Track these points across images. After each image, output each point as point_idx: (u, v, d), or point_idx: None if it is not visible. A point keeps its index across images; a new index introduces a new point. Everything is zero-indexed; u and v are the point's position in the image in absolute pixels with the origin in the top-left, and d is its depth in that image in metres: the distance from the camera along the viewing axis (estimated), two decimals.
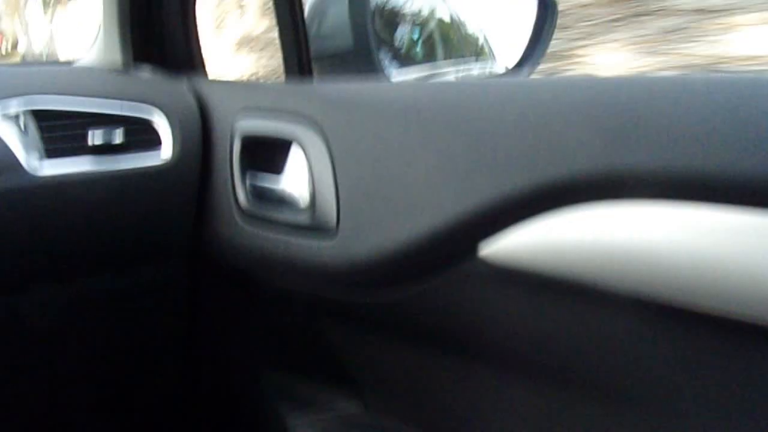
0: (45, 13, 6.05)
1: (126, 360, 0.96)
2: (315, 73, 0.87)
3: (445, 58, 1.47)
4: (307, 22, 0.87)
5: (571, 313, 0.51)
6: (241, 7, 4.70)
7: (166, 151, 0.78)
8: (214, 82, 0.88)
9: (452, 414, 0.69)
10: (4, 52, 6.42)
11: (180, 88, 0.83)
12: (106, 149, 0.75)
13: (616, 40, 2.81)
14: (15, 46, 6.46)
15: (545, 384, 0.57)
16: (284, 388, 0.89)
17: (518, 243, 0.52)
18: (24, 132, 0.72)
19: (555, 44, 1.22)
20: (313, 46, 0.88)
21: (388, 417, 0.77)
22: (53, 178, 0.72)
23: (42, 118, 0.73)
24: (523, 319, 0.55)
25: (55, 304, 0.84)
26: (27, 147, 0.71)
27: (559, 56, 2.69)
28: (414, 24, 1.43)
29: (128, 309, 0.90)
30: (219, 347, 1.00)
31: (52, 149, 0.73)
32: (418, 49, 1.45)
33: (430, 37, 1.48)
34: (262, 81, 3.63)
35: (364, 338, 0.74)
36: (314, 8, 1.04)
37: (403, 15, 1.39)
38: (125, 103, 0.78)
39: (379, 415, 0.78)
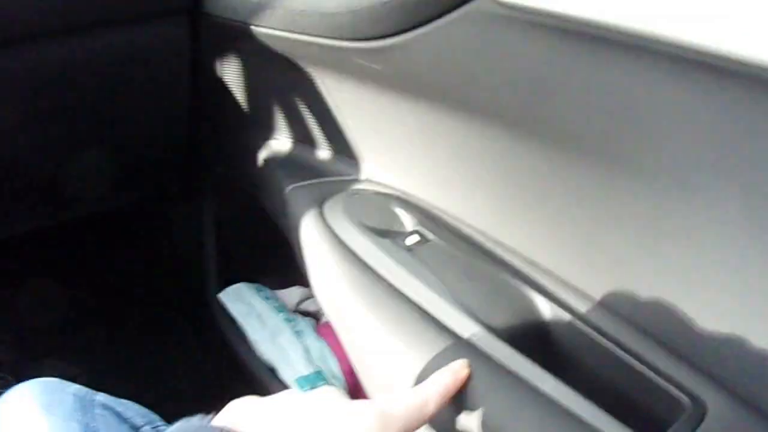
0: None
1: (128, 120, 0.94)
2: None
3: None
4: None
5: (584, 62, 0.46)
6: None
7: None
8: None
9: (453, 176, 0.66)
10: None
11: None
12: None
13: None
14: None
15: (547, 140, 0.53)
16: (281, 154, 0.87)
17: None
18: None
19: None
20: None
21: (384, 186, 0.75)
22: None
23: None
24: (529, 67, 0.50)
25: (55, 62, 0.82)
26: None
27: None
28: None
29: (131, 69, 0.87)
30: (219, 112, 0.98)
31: None
32: None
33: None
34: None
35: (365, 97, 0.70)
36: None
37: None
38: None
39: (376, 184, 0.76)
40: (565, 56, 0.46)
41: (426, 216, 0.68)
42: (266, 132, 0.90)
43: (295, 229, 0.75)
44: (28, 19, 0.74)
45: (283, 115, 0.86)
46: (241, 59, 0.86)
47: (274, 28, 0.71)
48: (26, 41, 0.77)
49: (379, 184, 0.76)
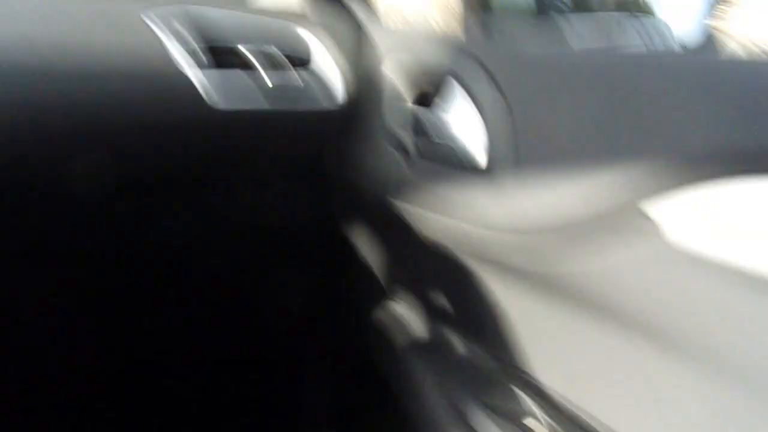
0: None
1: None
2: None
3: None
4: None
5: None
6: None
7: (337, 95, 0.80)
8: (394, 32, 0.87)
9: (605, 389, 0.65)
10: None
11: (354, 31, 0.83)
12: (281, 89, 0.76)
13: None
14: None
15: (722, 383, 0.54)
16: (412, 331, 0.88)
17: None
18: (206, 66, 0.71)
19: None
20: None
21: (522, 383, 0.74)
22: (232, 112, 0.72)
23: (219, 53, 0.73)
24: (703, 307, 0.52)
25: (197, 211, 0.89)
26: (210, 82, 0.70)
27: None
28: None
29: (265, 221, 0.93)
30: (344, 275, 1.03)
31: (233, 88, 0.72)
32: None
33: None
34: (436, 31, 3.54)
35: (518, 295, 0.71)
36: None
37: None
38: (305, 48, 0.80)
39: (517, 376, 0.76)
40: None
41: None
42: (398, 306, 0.92)
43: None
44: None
45: (420, 292, 0.88)
46: (392, 241, 0.90)
47: (436, 213, 0.74)
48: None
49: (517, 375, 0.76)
